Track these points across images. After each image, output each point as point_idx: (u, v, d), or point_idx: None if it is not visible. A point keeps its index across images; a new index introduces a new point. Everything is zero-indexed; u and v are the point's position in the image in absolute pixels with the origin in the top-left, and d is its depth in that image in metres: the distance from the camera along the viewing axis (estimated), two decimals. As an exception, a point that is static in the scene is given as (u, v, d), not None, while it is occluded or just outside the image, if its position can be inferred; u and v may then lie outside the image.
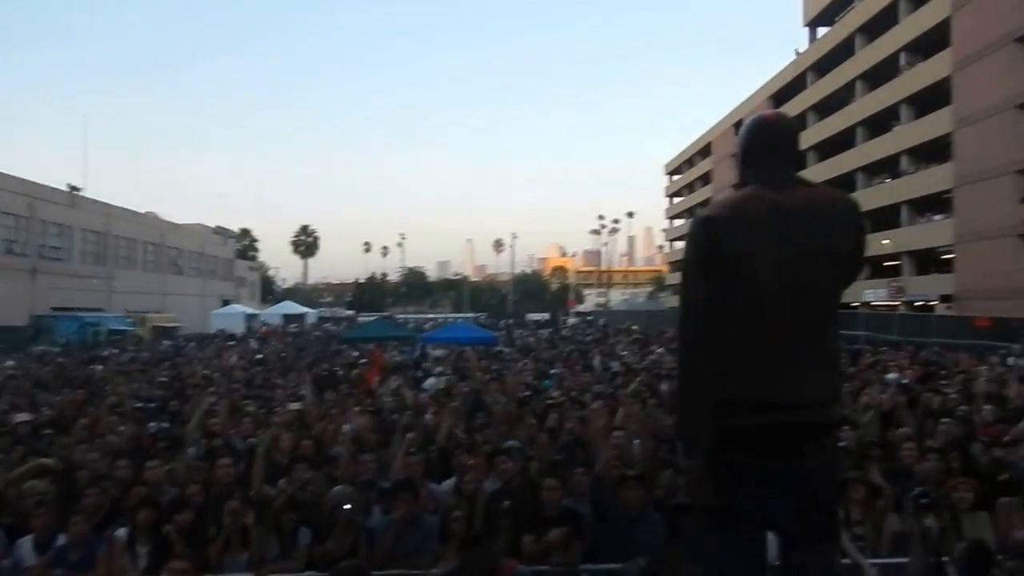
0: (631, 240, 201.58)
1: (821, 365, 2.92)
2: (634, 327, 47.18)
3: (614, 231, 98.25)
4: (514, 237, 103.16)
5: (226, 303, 65.15)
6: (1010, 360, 20.57)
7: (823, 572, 2.99)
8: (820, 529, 2.96)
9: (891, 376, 14.95)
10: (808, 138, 53.33)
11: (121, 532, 6.47)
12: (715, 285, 2.88)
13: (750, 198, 2.95)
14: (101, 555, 6.28)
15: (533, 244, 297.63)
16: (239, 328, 50.51)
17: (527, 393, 12.80)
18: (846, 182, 48.38)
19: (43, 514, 6.50)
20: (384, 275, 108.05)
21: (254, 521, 6.36)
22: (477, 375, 14.66)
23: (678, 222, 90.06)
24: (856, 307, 41.89)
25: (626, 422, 8.81)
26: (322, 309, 79.62)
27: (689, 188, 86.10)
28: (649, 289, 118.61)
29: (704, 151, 79.86)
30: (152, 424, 10.54)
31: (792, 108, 55.99)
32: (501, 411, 10.02)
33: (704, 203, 77.27)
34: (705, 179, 79.33)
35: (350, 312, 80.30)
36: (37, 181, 47.86)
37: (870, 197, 42.55)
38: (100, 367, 22.76)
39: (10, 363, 23.48)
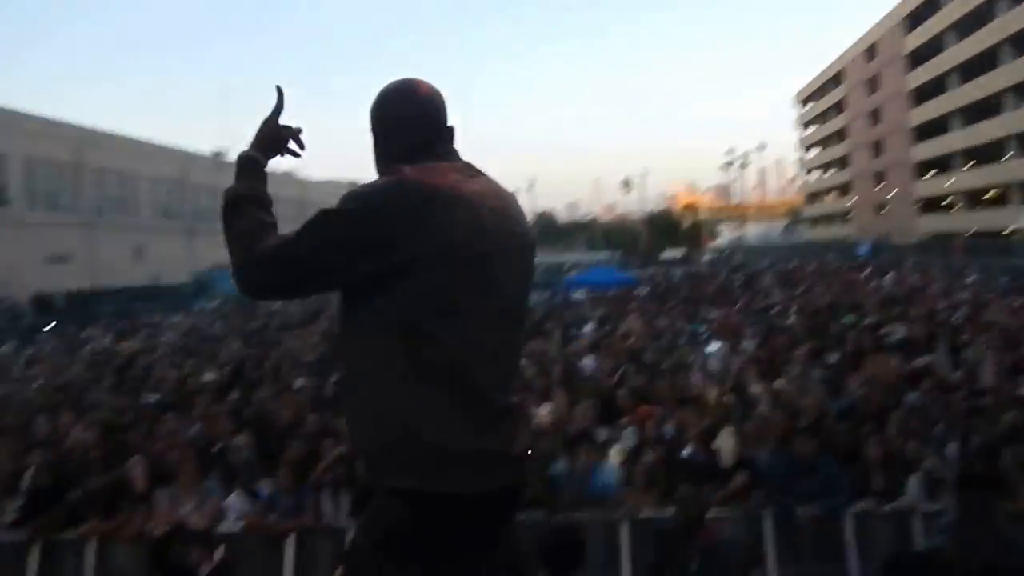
0: (762, 173, 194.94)
1: (521, 409, 2.26)
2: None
3: (745, 165, 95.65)
4: (643, 175, 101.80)
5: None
6: None
7: None
8: None
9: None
10: (948, 59, 50.07)
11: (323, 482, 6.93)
12: (387, 288, 2.05)
13: (447, 179, 2.13)
14: (309, 502, 6.78)
15: (662, 181, 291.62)
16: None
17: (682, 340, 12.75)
18: (993, 105, 45.32)
19: (248, 467, 7.06)
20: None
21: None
22: (629, 319, 14.72)
23: (813, 151, 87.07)
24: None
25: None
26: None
27: (822, 117, 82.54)
28: (784, 222, 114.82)
29: (836, 79, 76.20)
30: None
31: (929, 28, 52.68)
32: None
33: (836, 135, 73.92)
34: (839, 107, 75.81)
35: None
36: (186, 149, 50.67)
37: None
38: (263, 323, 24.06)
39: (179, 319, 25.10)
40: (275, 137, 2.35)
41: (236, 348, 16.25)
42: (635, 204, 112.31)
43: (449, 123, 2.35)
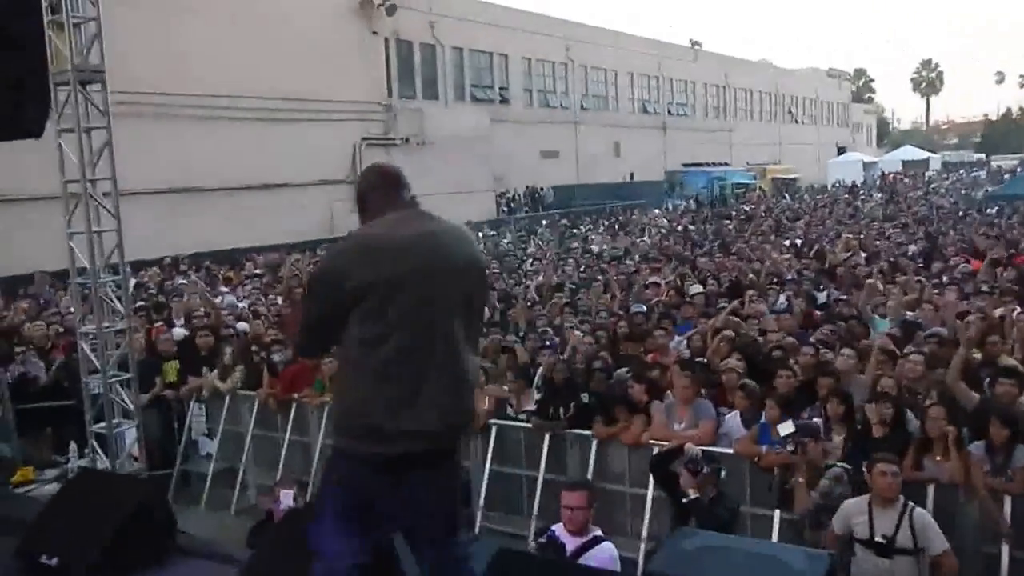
0: None
1: (448, 391, 3.04)
2: None
3: None
4: None
5: (841, 151, 63.47)
6: None
7: (453, 565, 3.27)
8: (444, 530, 3.24)
9: None
10: None
11: (816, 420, 6.74)
12: (350, 314, 2.99)
13: (385, 229, 3.06)
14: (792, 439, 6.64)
15: None
16: (857, 177, 48.87)
17: None
18: None
19: (748, 394, 7.10)
20: (1022, 109, 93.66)
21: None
22: None
23: None
24: None
25: None
26: (946, 153, 72.17)
27: None
28: None
29: None
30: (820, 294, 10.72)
31: None
32: None
33: None
34: None
35: (979, 155, 71.58)
36: (663, 40, 51.48)
37: None
38: (729, 223, 24.13)
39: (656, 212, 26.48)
40: None
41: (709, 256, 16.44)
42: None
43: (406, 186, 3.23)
